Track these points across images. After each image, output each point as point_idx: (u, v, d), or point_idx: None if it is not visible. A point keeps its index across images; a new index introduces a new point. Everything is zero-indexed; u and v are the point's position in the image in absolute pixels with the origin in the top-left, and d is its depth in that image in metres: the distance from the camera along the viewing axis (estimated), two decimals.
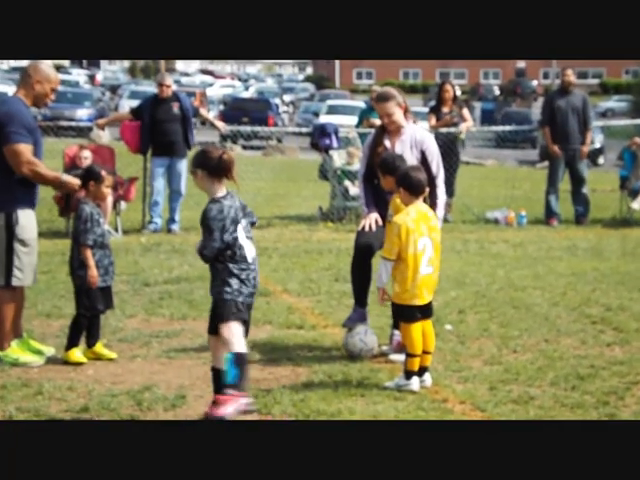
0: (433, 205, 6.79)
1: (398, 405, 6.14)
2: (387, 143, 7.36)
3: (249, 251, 5.89)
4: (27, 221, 6.98)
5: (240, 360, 5.73)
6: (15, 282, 6.99)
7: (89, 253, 6.97)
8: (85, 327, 7.09)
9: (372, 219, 7.28)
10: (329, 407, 6.02)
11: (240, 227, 5.85)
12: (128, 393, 6.30)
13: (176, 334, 7.81)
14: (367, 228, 7.25)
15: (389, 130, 7.36)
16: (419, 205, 6.58)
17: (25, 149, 6.86)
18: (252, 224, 6.03)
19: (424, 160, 7.21)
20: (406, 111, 7.38)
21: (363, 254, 7.19)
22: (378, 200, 7.31)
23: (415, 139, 7.30)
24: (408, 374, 6.48)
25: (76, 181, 7.11)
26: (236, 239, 5.82)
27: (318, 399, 6.18)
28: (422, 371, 6.55)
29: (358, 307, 7.35)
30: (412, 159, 7.16)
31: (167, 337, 7.72)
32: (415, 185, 6.55)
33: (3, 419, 5.81)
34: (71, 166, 12.72)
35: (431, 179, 7.02)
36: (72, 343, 7.06)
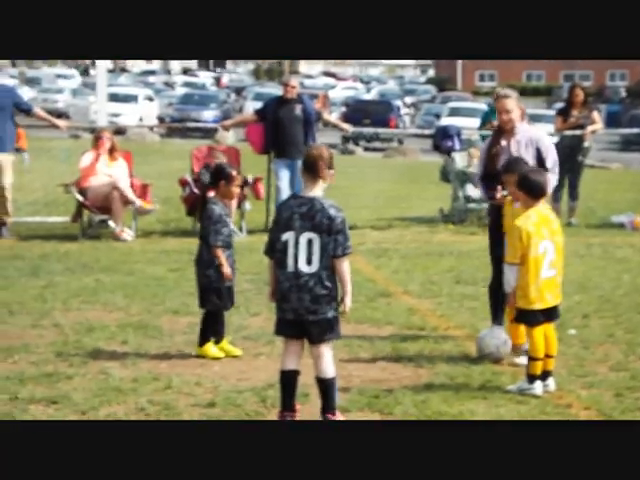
0: None
1: (521, 409, 6.13)
2: (503, 143, 7.57)
3: (291, 263, 5.55)
4: None
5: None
6: None
7: (220, 253, 7.12)
8: (213, 324, 7.27)
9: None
10: (450, 409, 6.05)
11: (290, 234, 5.55)
12: (253, 390, 6.44)
13: None
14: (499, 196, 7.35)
15: (505, 130, 7.57)
16: (540, 208, 6.56)
17: None
18: (335, 254, 5.50)
19: (539, 157, 7.45)
20: (522, 113, 7.64)
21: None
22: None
23: (530, 138, 7.55)
24: (531, 378, 6.46)
25: None
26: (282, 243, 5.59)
27: (439, 401, 6.22)
28: (545, 375, 6.51)
29: None
30: (528, 157, 7.38)
31: None
32: (535, 188, 6.54)
33: (136, 411, 6.03)
34: (200, 167, 13.04)
35: (546, 171, 7.22)
36: (205, 338, 7.23)
